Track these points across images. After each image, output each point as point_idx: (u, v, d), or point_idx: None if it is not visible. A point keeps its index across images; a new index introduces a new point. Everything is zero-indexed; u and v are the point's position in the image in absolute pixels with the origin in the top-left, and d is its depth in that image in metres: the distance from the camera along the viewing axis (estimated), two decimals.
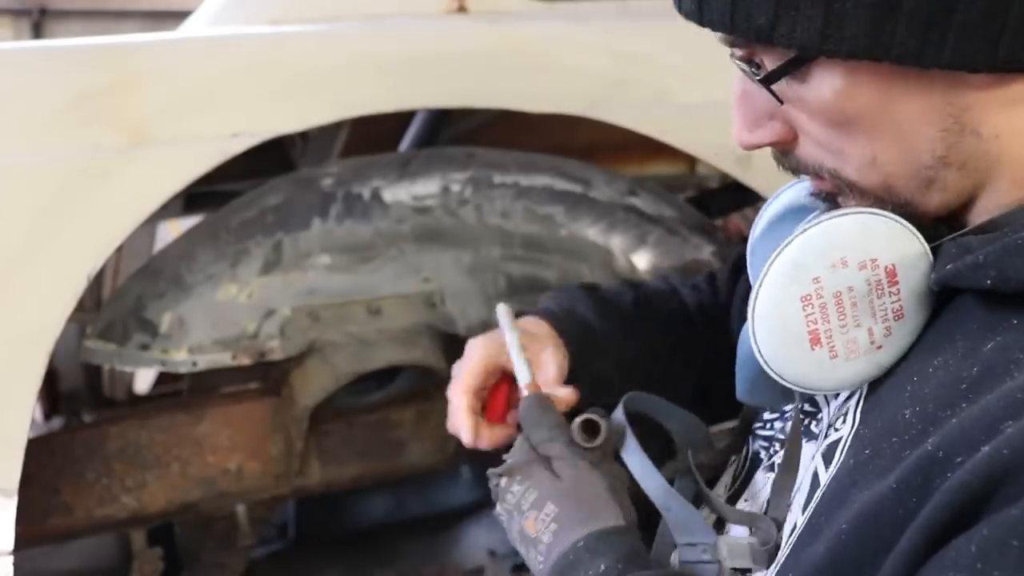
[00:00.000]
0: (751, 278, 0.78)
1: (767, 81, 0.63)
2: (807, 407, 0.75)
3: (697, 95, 1.40)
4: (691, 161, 1.94)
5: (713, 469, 0.85)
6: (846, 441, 0.65)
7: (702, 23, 0.64)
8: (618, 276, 1.47)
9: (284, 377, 1.42)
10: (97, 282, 1.74)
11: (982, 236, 0.62)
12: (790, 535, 0.66)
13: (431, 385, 1.49)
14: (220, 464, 1.40)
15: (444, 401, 1.47)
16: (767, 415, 0.82)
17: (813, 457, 0.68)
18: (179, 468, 1.38)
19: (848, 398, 0.69)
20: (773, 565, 0.67)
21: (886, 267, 0.63)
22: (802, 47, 0.59)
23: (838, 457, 0.64)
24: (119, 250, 1.34)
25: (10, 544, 1.06)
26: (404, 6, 1.42)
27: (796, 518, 0.67)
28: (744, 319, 0.68)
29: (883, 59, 0.57)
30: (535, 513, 0.74)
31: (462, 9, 1.43)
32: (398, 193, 1.40)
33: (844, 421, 0.67)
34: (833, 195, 0.67)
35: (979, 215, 0.64)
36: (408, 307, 1.40)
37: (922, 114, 0.60)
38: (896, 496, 0.55)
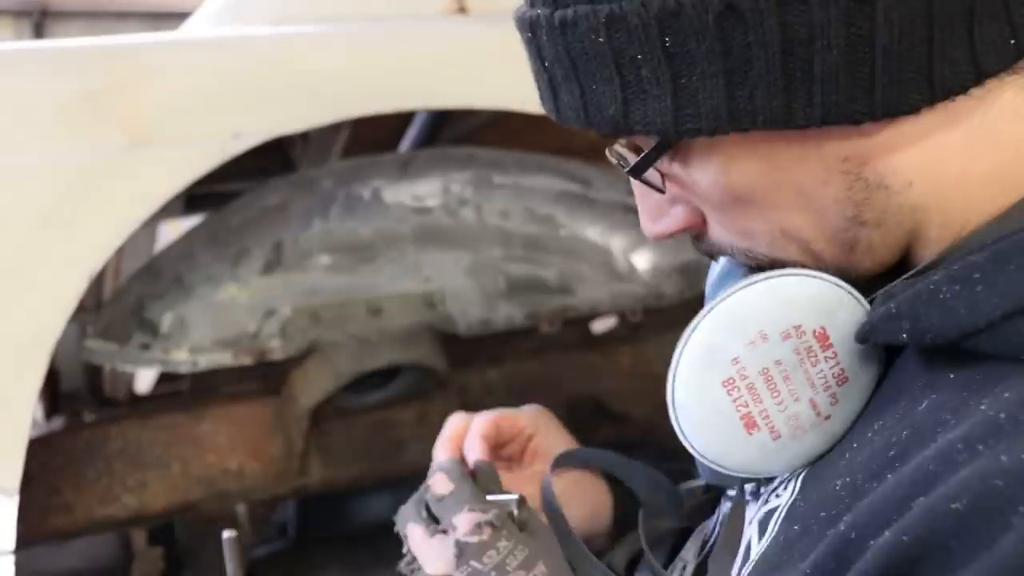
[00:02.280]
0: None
1: (635, 173, 0.58)
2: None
3: None
4: None
5: (677, 535, 0.79)
6: (781, 512, 0.58)
7: (560, 120, 0.58)
8: (618, 276, 1.47)
9: (284, 377, 1.42)
10: (98, 282, 1.74)
11: (906, 282, 0.55)
12: None
13: (431, 385, 1.49)
14: (221, 464, 1.41)
15: (444, 401, 1.48)
16: None
17: (750, 522, 0.62)
18: (180, 468, 1.38)
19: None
20: None
21: (814, 331, 0.56)
22: (661, 132, 0.53)
23: (771, 529, 0.58)
24: (120, 250, 1.34)
25: (11, 543, 1.06)
26: (404, 6, 1.43)
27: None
28: None
29: (750, 128, 0.51)
30: (523, 574, 0.66)
31: (462, 9, 1.43)
32: (398, 193, 1.40)
33: (786, 488, 0.61)
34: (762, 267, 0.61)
35: (919, 260, 0.57)
36: (408, 307, 1.40)
37: (817, 176, 0.53)
38: None
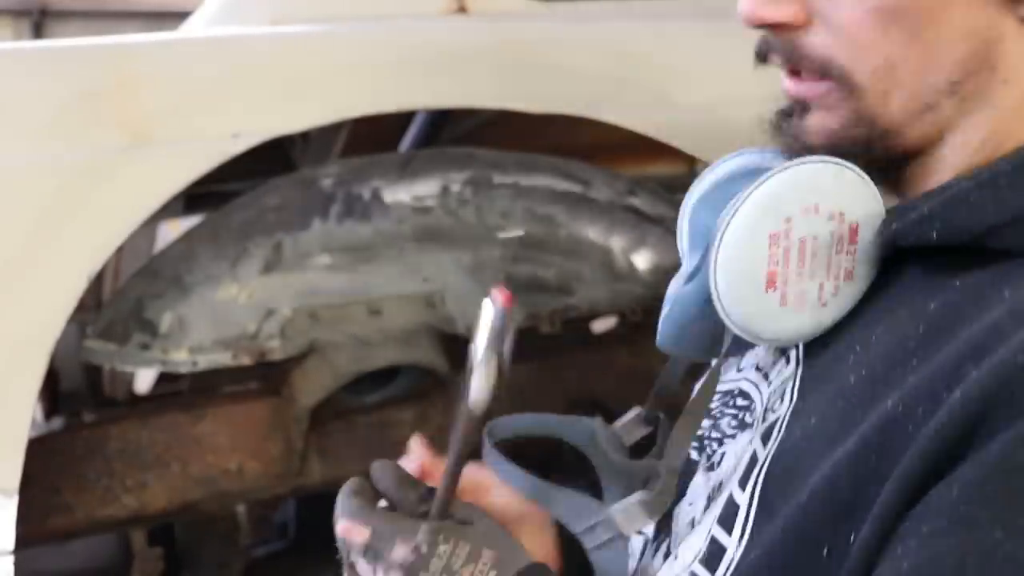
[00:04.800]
0: (681, 241, 0.74)
1: None
2: (739, 400, 0.71)
3: (697, 95, 1.40)
4: (690, 161, 1.94)
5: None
6: (783, 419, 0.61)
7: None
8: (618, 276, 1.47)
9: (284, 377, 1.42)
10: (97, 282, 1.74)
11: (928, 194, 0.59)
12: (724, 504, 0.62)
13: (431, 385, 1.49)
14: (220, 464, 1.41)
15: (444, 401, 1.48)
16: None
17: (751, 441, 0.64)
18: (180, 468, 1.38)
19: (784, 381, 0.66)
20: (731, 550, 0.61)
21: (851, 223, 0.60)
22: None
23: (776, 434, 0.61)
24: (119, 250, 1.34)
25: (11, 544, 1.06)
26: (404, 6, 1.42)
27: (731, 489, 0.62)
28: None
29: None
30: (471, 568, 0.66)
31: (462, 9, 1.43)
32: (398, 193, 1.40)
33: (781, 402, 0.64)
34: (802, 106, 0.63)
35: (929, 174, 0.62)
36: (408, 307, 1.40)
37: (964, 29, 0.56)
38: (854, 459, 0.52)
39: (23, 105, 1.14)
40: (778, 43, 0.62)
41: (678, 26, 1.43)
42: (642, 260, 1.48)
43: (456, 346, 1.47)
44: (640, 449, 0.81)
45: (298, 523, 1.88)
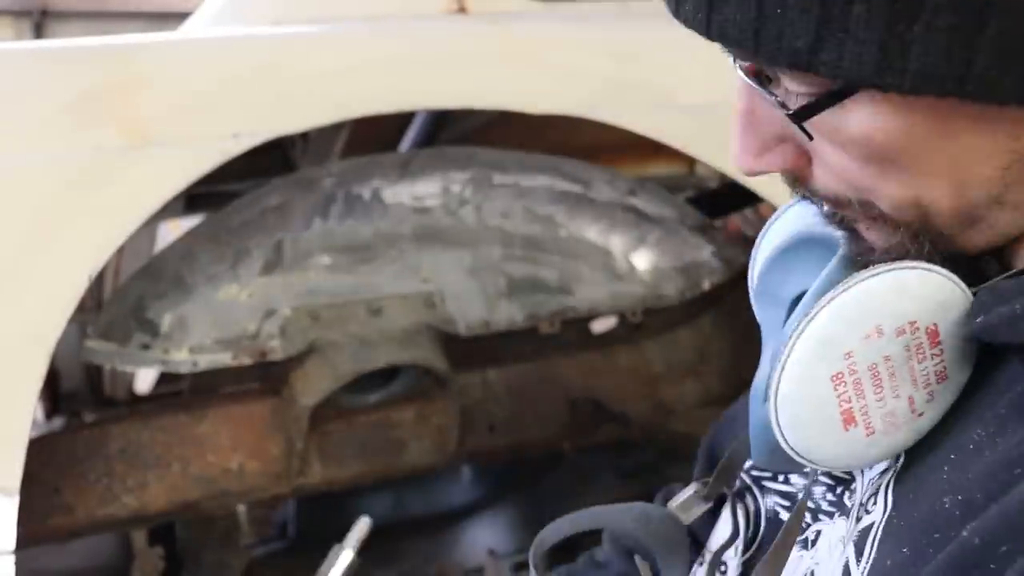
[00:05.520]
0: (761, 322, 0.69)
1: (800, 117, 0.53)
2: (840, 473, 0.65)
3: (697, 95, 1.40)
4: (690, 161, 1.95)
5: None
6: (878, 529, 0.56)
7: (711, 37, 0.52)
8: (618, 276, 1.47)
9: (284, 377, 1.42)
10: (98, 282, 1.74)
11: (1019, 281, 0.53)
12: None
13: (431, 385, 1.49)
14: (221, 464, 1.41)
15: (444, 401, 1.48)
16: None
17: (843, 540, 0.59)
18: (180, 468, 1.38)
19: (881, 472, 0.60)
20: None
21: (927, 328, 0.54)
22: (850, 79, 0.48)
23: (869, 549, 0.56)
24: (120, 250, 1.34)
25: (11, 543, 1.06)
26: (404, 6, 1.43)
27: None
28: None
29: (955, 94, 0.47)
30: None
31: (462, 9, 1.43)
32: (398, 193, 1.40)
33: (875, 502, 0.58)
34: (851, 223, 0.58)
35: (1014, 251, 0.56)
36: (408, 307, 1.40)
37: (981, 153, 0.51)
38: None
39: (23, 105, 1.15)
40: (791, 180, 0.59)
41: (678, 26, 1.43)
42: (642, 260, 1.49)
43: (456, 346, 1.48)
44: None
45: (298, 523, 1.88)
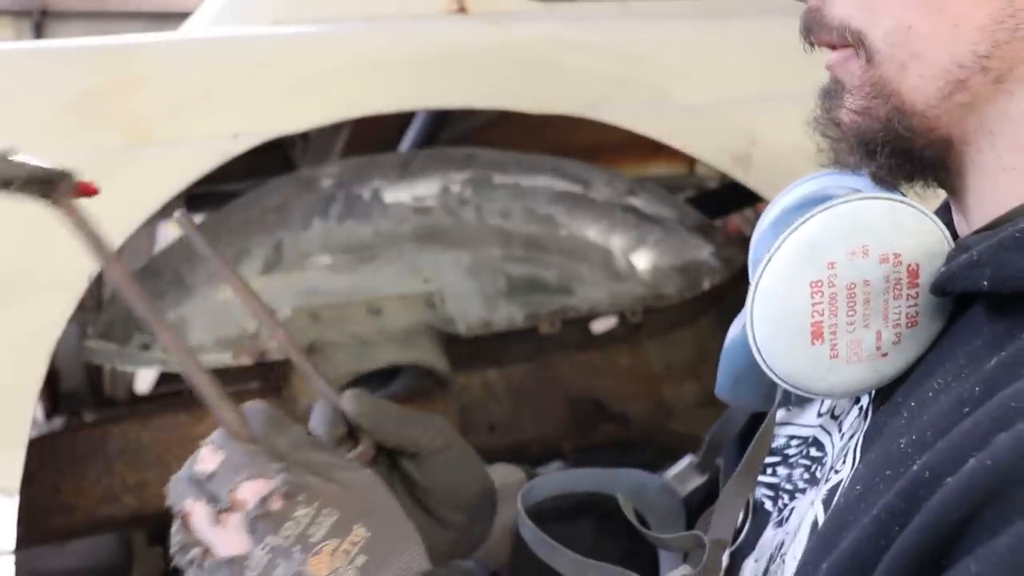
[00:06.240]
0: (753, 270, 0.69)
1: None
2: (813, 451, 0.66)
3: (697, 95, 1.40)
4: (690, 161, 1.94)
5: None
6: (844, 483, 0.57)
7: None
8: (618, 276, 1.47)
9: (284, 377, 1.42)
10: (98, 282, 1.74)
11: (981, 235, 0.54)
12: (780, 572, 0.59)
13: (431, 385, 1.49)
14: None
15: (444, 401, 1.48)
16: (769, 459, 0.70)
17: (812, 503, 0.60)
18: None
19: (852, 435, 0.60)
20: None
21: (909, 265, 0.55)
22: None
23: (835, 501, 0.56)
24: (120, 250, 1.34)
25: (11, 543, 1.06)
26: (404, 6, 1.43)
27: (787, 554, 0.59)
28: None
29: None
30: (334, 543, 0.55)
31: (462, 9, 1.43)
32: (398, 193, 1.40)
33: (844, 461, 0.59)
34: (836, 84, 0.59)
35: (976, 198, 0.57)
36: (408, 307, 1.40)
37: None
38: (878, 527, 0.47)
39: (23, 105, 1.15)
40: (808, 19, 0.60)
41: (678, 26, 1.43)
42: (642, 260, 1.49)
43: (456, 346, 1.48)
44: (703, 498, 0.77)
45: None
